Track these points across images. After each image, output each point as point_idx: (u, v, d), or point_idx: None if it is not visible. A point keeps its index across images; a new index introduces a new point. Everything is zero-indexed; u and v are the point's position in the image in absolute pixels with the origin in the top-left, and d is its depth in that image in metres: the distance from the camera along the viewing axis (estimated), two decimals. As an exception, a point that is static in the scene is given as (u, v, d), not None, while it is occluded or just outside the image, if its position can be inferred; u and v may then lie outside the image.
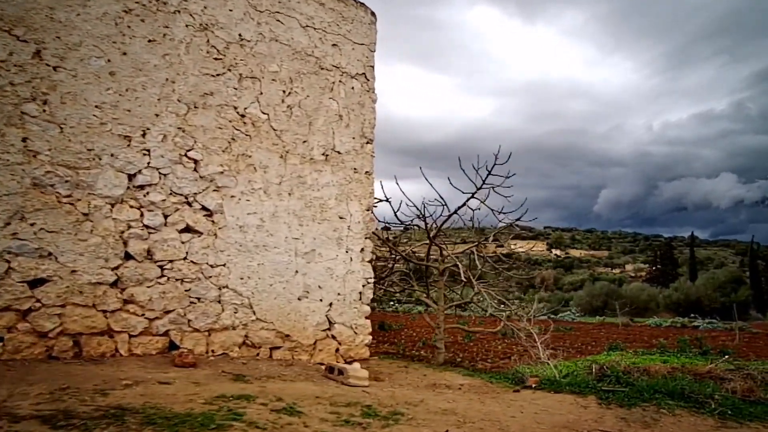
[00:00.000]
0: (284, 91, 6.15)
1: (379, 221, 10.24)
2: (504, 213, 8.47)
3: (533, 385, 6.29)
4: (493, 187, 8.64)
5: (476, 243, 9.19)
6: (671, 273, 55.59)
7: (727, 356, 8.57)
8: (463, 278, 8.54)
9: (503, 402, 5.56)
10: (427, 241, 9.35)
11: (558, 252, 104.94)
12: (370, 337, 6.74)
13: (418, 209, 9.18)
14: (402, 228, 10.40)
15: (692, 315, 36.28)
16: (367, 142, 6.90)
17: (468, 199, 8.68)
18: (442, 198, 8.93)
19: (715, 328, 24.54)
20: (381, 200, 10.75)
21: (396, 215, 9.19)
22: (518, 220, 8.55)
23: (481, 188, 8.54)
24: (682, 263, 61.56)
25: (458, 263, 8.83)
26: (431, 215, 9.11)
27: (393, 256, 10.18)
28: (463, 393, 6.03)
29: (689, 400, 5.79)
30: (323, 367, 5.69)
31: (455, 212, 8.88)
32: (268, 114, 5.99)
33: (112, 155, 4.86)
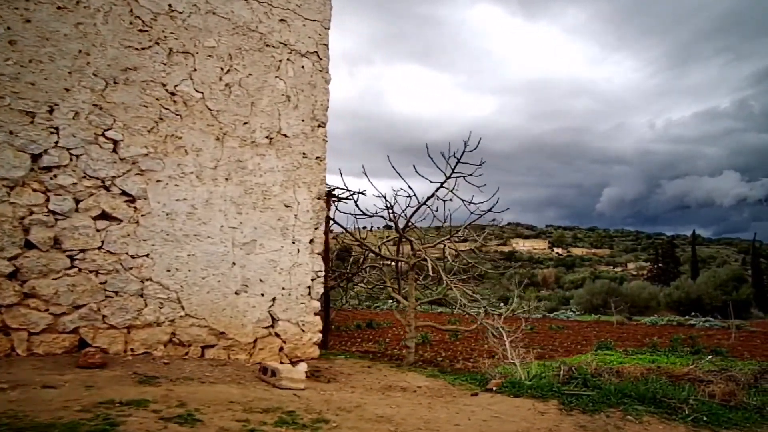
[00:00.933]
0: (222, 69, 5.66)
1: (352, 215, 9.77)
2: (475, 204, 7.93)
3: (494, 388, 5.78)
4: (464, 176, 8.13)
5: (448, 237, 8.68)
6: (673, 271, 54.98)
7: (711, 356, 8.05)
8: (430, 273, 8.03)
9: (454, 407, 5.06)
10: (399, 236, 8.86)
11: (560, 250, 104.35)
12: (320, 335, 6.25)
13: (386, 200, 8.68)
14: (366, 220, 9.85)
15: (693, 313, 35.67)
16: (319, 126, 6.41)
17: (437, 189, 8.18)
18: (411, 189, 8.43)
19: (711, 327, 23.95)
20: (355, 192, 10.28)
21: (357, 205, 8.69)
22: (490, 210, 8.02)
23: (450, 177, 8.02)
24: (684, 261, 60.90)
25: (427, 258, 8.33)
26: (399, 208, 8.63)
27: (364, 250, 9.69)
28: (415, 396, 5.54)
29: (661, 405, 5.28)
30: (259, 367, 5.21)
31: (424, 203, 8.37)
32: (202, 93, 5.50)
33: (10, 132, 4.38)
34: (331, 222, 9.90)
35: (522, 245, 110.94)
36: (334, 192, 10.41)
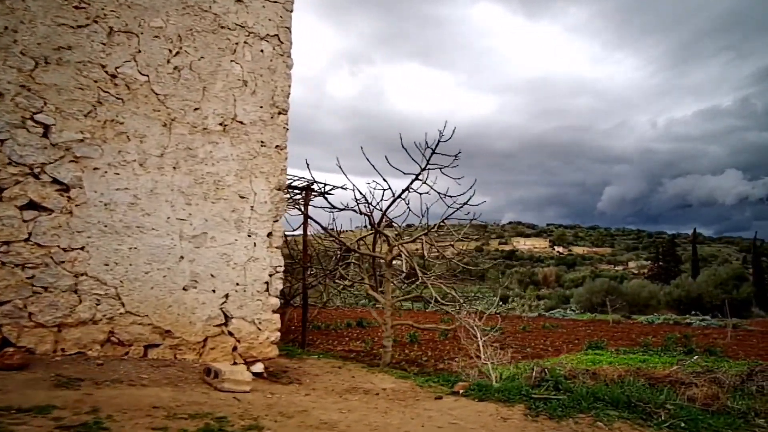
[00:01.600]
0: (171, 51, 5.31)
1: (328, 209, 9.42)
2: (451, 196, 7.57)
3: (460, 391, 5.43)
4: (440, 168, 7.77)
5: (425, 231, 8.32)
6: (673, 270, 54.51)
7: (697, 357, 7.68)
8: (403, 268, 7.68)
9: (412, 412, 4.71)
10: (375, 230, 8.51)
11: (561, 249, 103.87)
12: (279, 333, 5.90)
13: (361, 194, 8.33)
14: (348, 218, 9.51)
15: (694, 312, 35.22)
16: (280, 113, 6.05)
17: (412, 181, 7.82)
18: (386, 181, 8.07)
19: (708, 326, 23.58)
20: (336, 187, 9.93)
21: (325, 197, 8.34)
22: (466, 203, 7.65)
23: (425, 169, 7.66)
24: (686, 260, 60.41)
25: (402, 253, 7.98)
26: (377, 203, 8.27)
27: (339, 247, 9.34)
28: (374, 400, 5.19)
29: (635, 410, 4.92)
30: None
31: (399, 196, 8.02)
32: (148, 76, 5.15)
33: (-77, 114, 4.04)
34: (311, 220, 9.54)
35: (523, 244, 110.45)
36: (312, 186, 10.08)
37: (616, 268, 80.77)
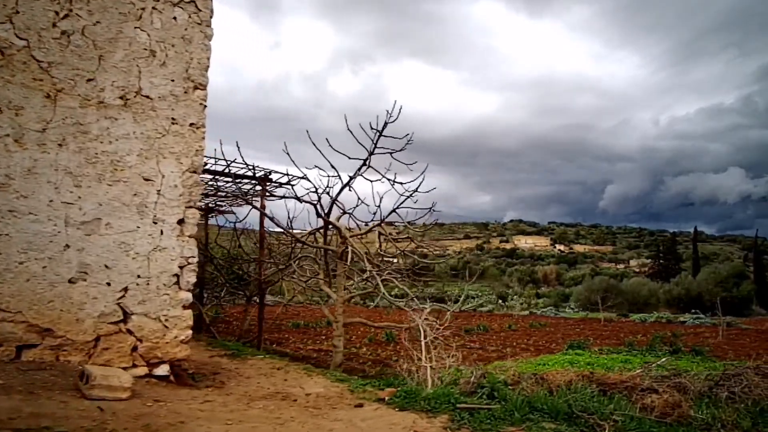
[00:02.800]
0: (57, 13, 4.70)
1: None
2: (400, 183, 6.95)
3: (386, 398, 4.82)
4: (391, 153, 7.15)
5: (378, 223, 7.70)
6: (674, 268, 53.75)
7: (666, 359, 7.03)
8: (348, 261, 7.07)
9: (315, 424, 4.09)
10: (324, 221, 7.89)
11: (562, 247, 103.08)
12: (190, 331, 5.30)
13: (311, 182, 7.71)
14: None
15: (693, 311, 34.48)
16: (196, 88, 5.44)
17: (360, 168, 7.20)
18: (335, 168, 7.45)
19: (702, 324, 22.90)
20: (295, 177, 9.33)
21: (266, 190, 7.72)
22: (416, 191, 7.03)
23: (373, 153, 7.05)
24: (687, 258, 59.63)
25: (351, 245, 7.36)
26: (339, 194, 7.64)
27: (291, 240, 8.74)
28: (283, 408, 4.58)
29: (576, 421, 4.29)
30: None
31: (347, 185, 7.40)
32: (27, 40, 4.54)
33: None
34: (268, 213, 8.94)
35: (524, 242, 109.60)
36: (270, 176, 9.48)
37: (618, 267, 79.96)
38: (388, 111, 6.73)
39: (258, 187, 9.72)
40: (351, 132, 6.93)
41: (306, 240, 8.57)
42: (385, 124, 6.75)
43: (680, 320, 24.49)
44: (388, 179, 7.10)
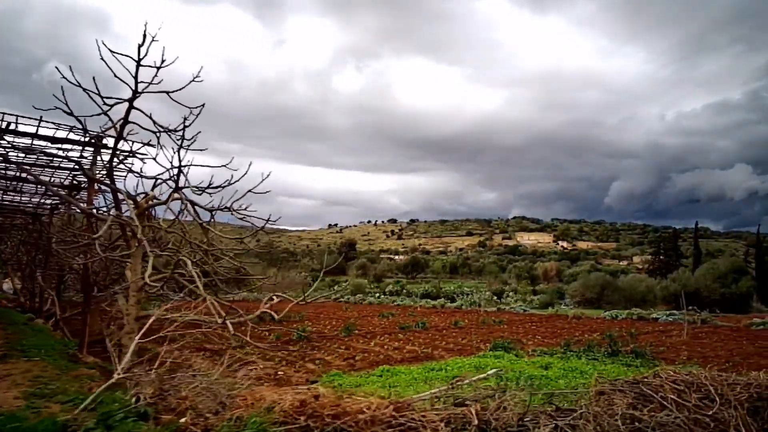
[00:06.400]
0: None
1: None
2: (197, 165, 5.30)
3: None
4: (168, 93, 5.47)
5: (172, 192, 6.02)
6: (674, 264, 51.67)
7: (496, 370, 5.26)
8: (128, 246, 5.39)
9: None
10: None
11: (564, 244, 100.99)
12: None
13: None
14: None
15: (691, 307, 32.55)
16: None
17: (125, 103, 5.51)
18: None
19: (675, 321, 20.99)
20: (133, 153, 7.70)
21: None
22: (227, 183, 5.34)
23: (139, 92, 5.37)
24: (689, 255, 57.57)
25: (138, 233, 5.71)
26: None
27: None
28: None
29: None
30: None
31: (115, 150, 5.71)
32: None
33: None
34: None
35: (527, 239, 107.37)
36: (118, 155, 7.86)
37: (620, 263, 77.75)
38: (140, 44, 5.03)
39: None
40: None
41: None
42: (138, 62, 5.05)
43: (653, 317, 22.58)
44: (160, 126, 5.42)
